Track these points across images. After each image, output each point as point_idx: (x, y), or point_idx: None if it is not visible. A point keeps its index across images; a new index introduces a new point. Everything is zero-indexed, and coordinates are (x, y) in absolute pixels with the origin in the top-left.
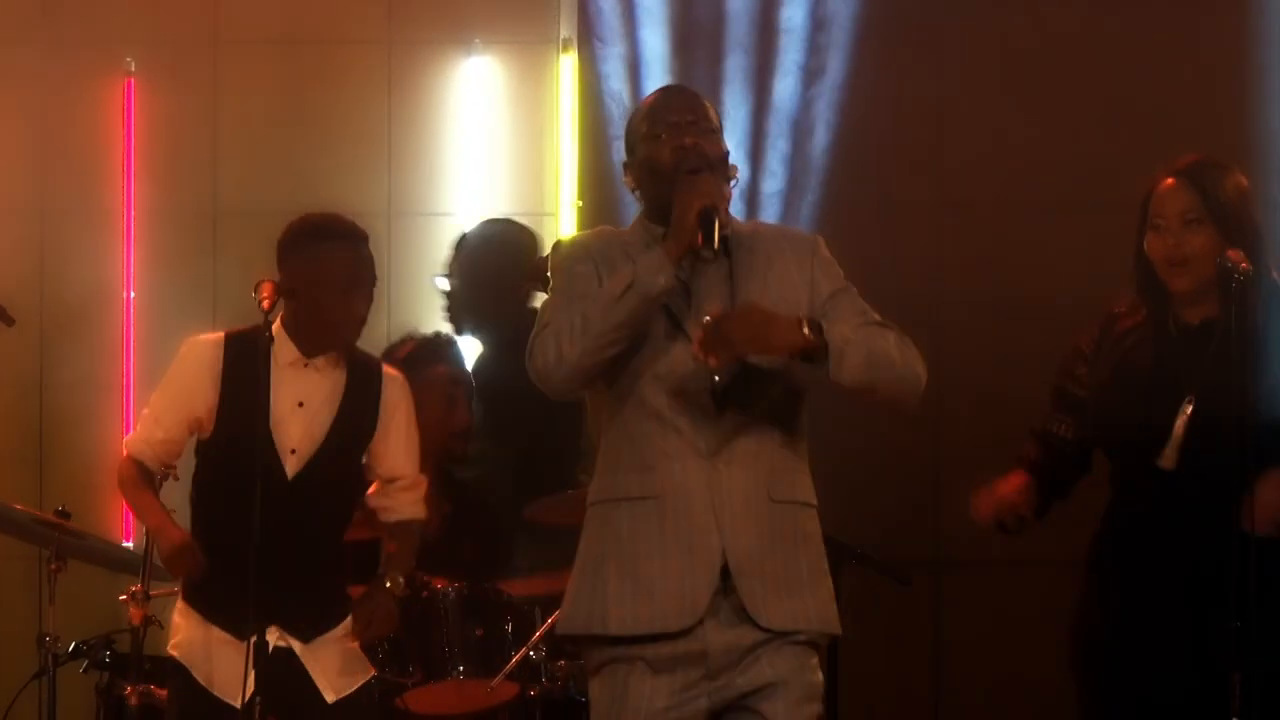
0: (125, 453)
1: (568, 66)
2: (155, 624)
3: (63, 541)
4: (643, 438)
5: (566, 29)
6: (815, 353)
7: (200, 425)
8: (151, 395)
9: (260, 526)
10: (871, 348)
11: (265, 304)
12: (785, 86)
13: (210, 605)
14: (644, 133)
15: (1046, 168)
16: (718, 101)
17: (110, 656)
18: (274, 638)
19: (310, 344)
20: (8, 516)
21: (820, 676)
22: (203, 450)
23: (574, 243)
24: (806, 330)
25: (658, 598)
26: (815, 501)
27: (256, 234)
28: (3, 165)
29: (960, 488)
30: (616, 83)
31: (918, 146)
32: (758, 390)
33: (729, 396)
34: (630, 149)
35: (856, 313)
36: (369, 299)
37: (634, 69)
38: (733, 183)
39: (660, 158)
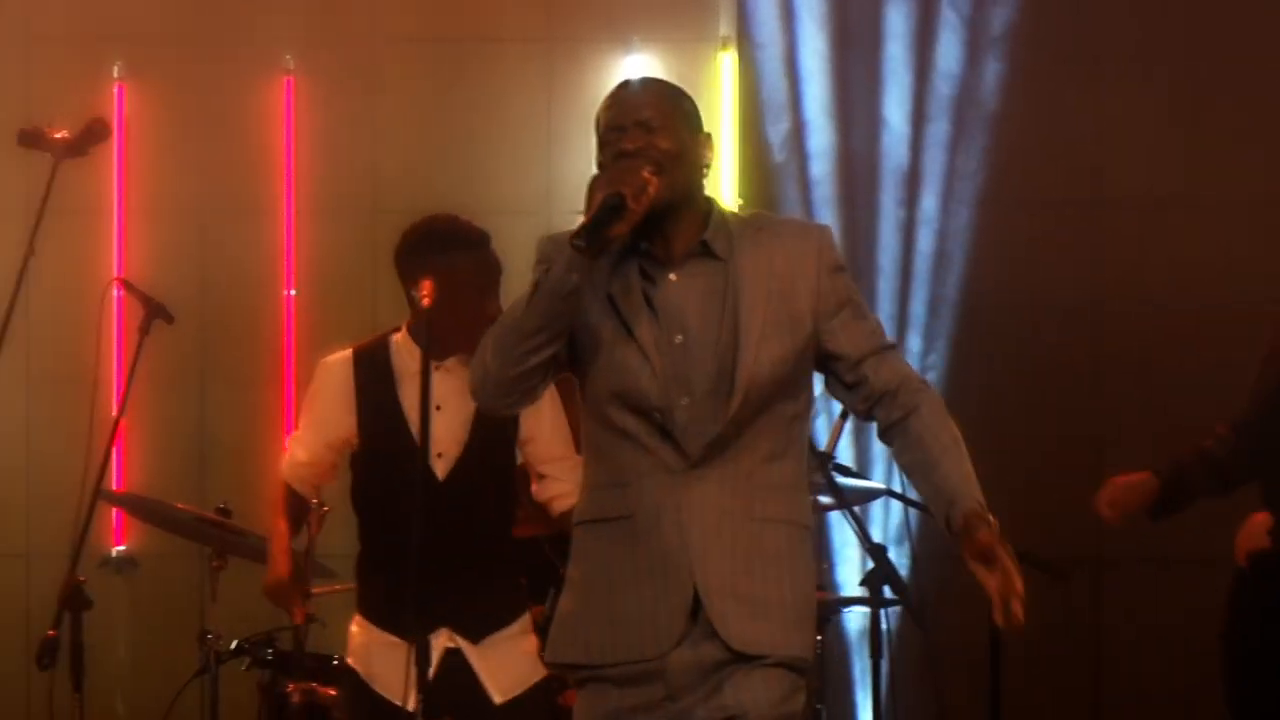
0: (279, 475)
1: (727, 64)
2: (318, 622)
3: (224, 539)
4: (614, 455)
5: (725, 27)
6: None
7: (348, 443)
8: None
9: (420, 532)
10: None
11: (426, 301)
12: (943, 81)
13: (380, 613)
14: (598, 137)
15: (1210, 166)
16: (876, 96)
17: (272, 654)
18: (444, 640)
19: (441, 348)
20: (170, 515)
21: (797, 704)
22: (354, 463)
23: (546, 241)
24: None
25: (632, 625)
26: (809, 522)
27: None
28: (163, 164)
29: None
30: (775, 80)
31: (1076, 144)
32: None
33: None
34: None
35: (868, 335)
36: (498, 298)
37: (792, 66)
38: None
39: (604, 164)
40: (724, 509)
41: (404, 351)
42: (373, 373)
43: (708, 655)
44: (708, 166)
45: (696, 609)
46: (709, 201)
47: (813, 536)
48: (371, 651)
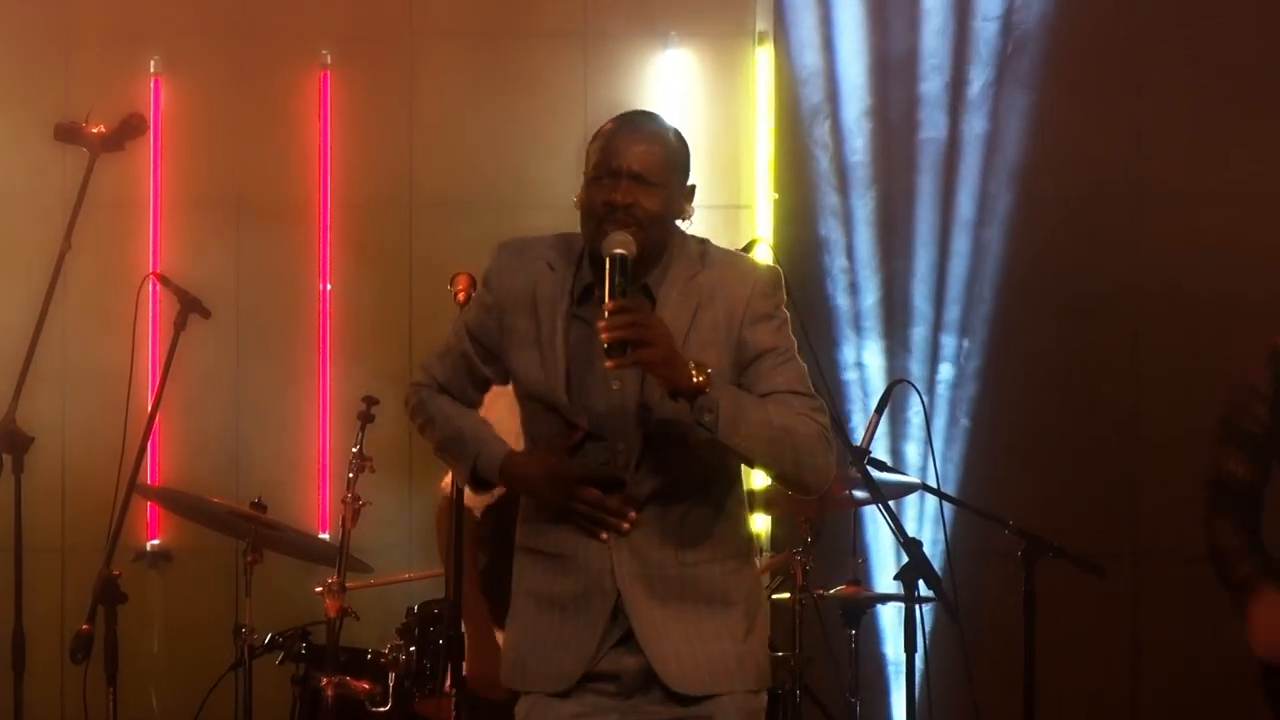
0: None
1: (764, 59)
2: (351, 616)
3: (259, 533)
4: None
5: (762, 22)
6: (696, 399)
7: None
8: None
9: None
10: (774, 419)
11: (461, 296)
12: (980, 80)
13: None
14: (589, 169)
15: (1249, 162)
16: (913, 89)
17: (306, 648)
18: None
19: None
20: (204, 509)
21: (760, 703)
22: None
23: (495, 266)
24: (695, 374)
25: (542, 657)
26: (745, 550)
27: (452, 226)
28: (200, 159)
29: (1157, 481)
30: (812, 74)
31: (1116, 139)
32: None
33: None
34: (586, 168)
35: (780, 379)
36: None
37: (829, 60)
38: (686, 222)
39: (593, 202)
40: (650, 558)
41: None
42: None
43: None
44: (687, 218)
45: (629, 635)
46: (671, 243)
47: (751, 557)
48: None
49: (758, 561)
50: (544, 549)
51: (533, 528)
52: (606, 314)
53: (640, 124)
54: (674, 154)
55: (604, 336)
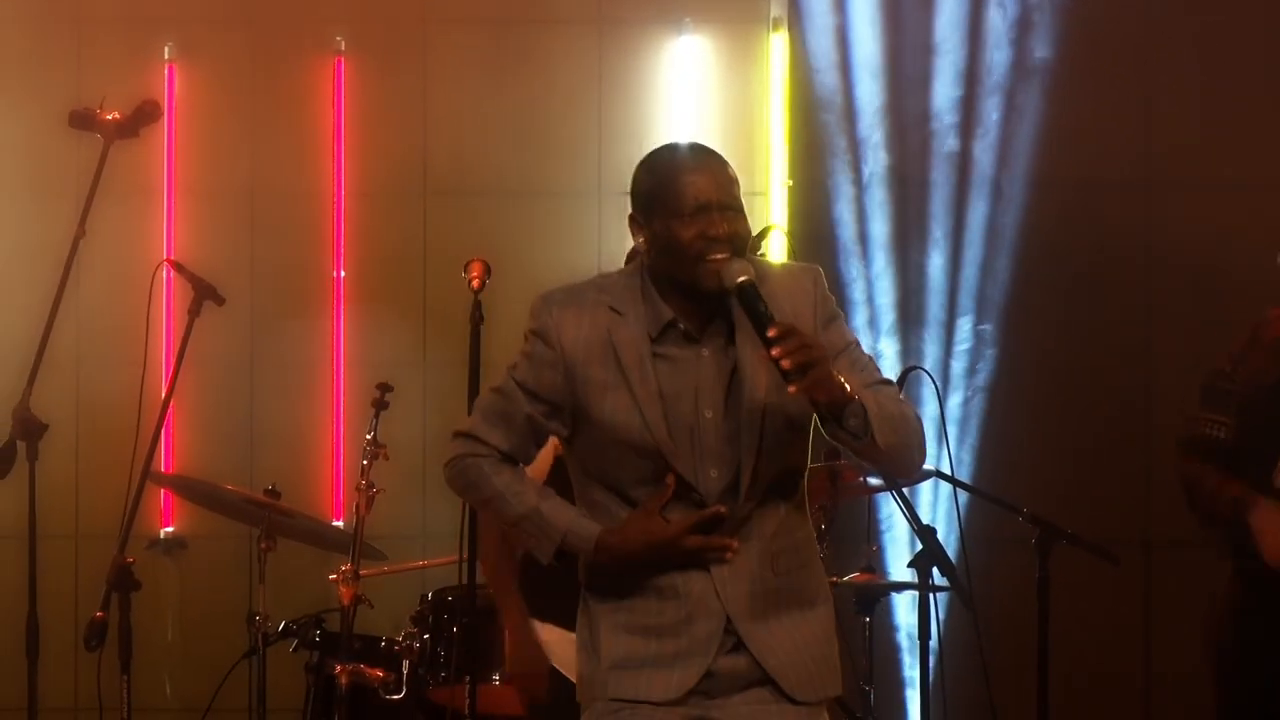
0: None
1: (778, 46)
2: (365, 603)
3: (273, 520)
4: None
5: (777, 8)
6: (848, 407)
7: None
8: None
9: None
10: (895, 412)
11: (475, 283)
12: (995, 64)
13: None
14: (666, 206)
15: (1261, 148)
16: (927, 76)
17: (320, 635)
18: None
19: None
20: (218, 497)
21: None
22: None
23: (551, 321)
24: (847, 385)
25: (651, 681)
26: (816, 551)
27: (466, 213)
28: (214, 145)
29: (1170, 469)
30: (826, 62)
31: (1128, 126)
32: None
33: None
34: (643, 205)
35: (862, 370)
36: None
37: (843, 48)
38: (758, 254)
39: (683, 238)
40: (752, 575)
41: None
42: None
43: (745, 667)
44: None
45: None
46: None
47: (819, 556)
48: None
49: None
50: (631, 590)
51: (607, 584)
52: (774, 340)
53: (707, 154)
54: (738, 178)
55: (784, 364)
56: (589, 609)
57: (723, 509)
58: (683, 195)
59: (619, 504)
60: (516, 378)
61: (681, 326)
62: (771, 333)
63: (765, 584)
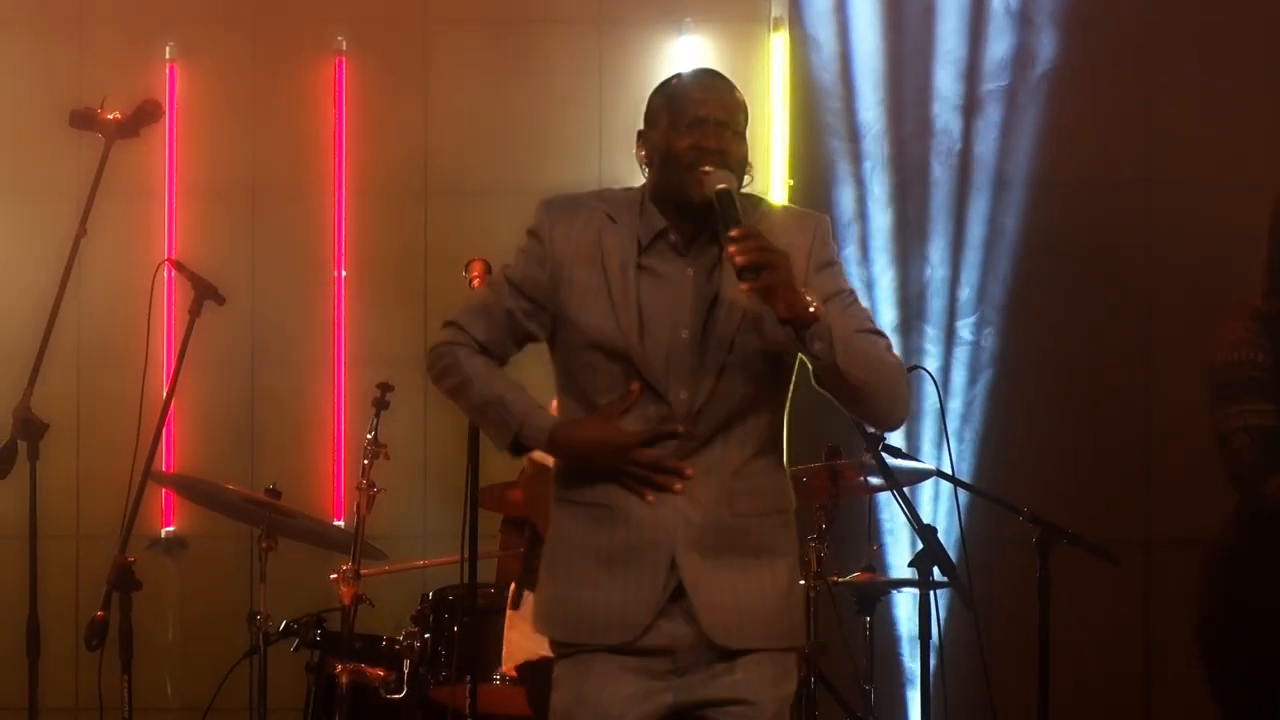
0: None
1: (778, 46)
2: (366, 602)
3: (273, 520)
4: None
5: (777, 8)
6: (811, 326)
7: None
8: None
9: None
10: (870, 350)
11: (476, 283)
12: (996, 64)
13: None
14: (668, 118)
15: (1261, 148)
16: (928, 76)
17: (321, 635)
18: None
19: None
20: (219, 496)
21: (793, 684)
22: None
23: (547, 219)
24: (812, 302)
25: (600, 609)
26: (789, 505)
27: (467, 212)
28: (215, 145)
29: (1170, 469)
30: (827, 61)
31: (1129, 126)
32: (732, 398)
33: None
34: (651, 121)
35: (852, 317)
36: None
37: (843, 48)
38: (746, 180)
39: (678, 147)
40: (707, 506)
41: None
42: None
43: (703, 636)
44: (750, 173)
45: (680, 594)
46: None
47: (793, 512)
48: None
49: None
50: (590, 500)
51: (574, 479)
52: (735, 240)
53: (716, 76)
54: (745, 106)
55: (738, 260)
56: (554, 527)
57: (680, 427)
58: (684, 108)
59: (581, 412)
60: (507, 272)
61: (672, 237)
62: (733, 232)
63: (720, 520)
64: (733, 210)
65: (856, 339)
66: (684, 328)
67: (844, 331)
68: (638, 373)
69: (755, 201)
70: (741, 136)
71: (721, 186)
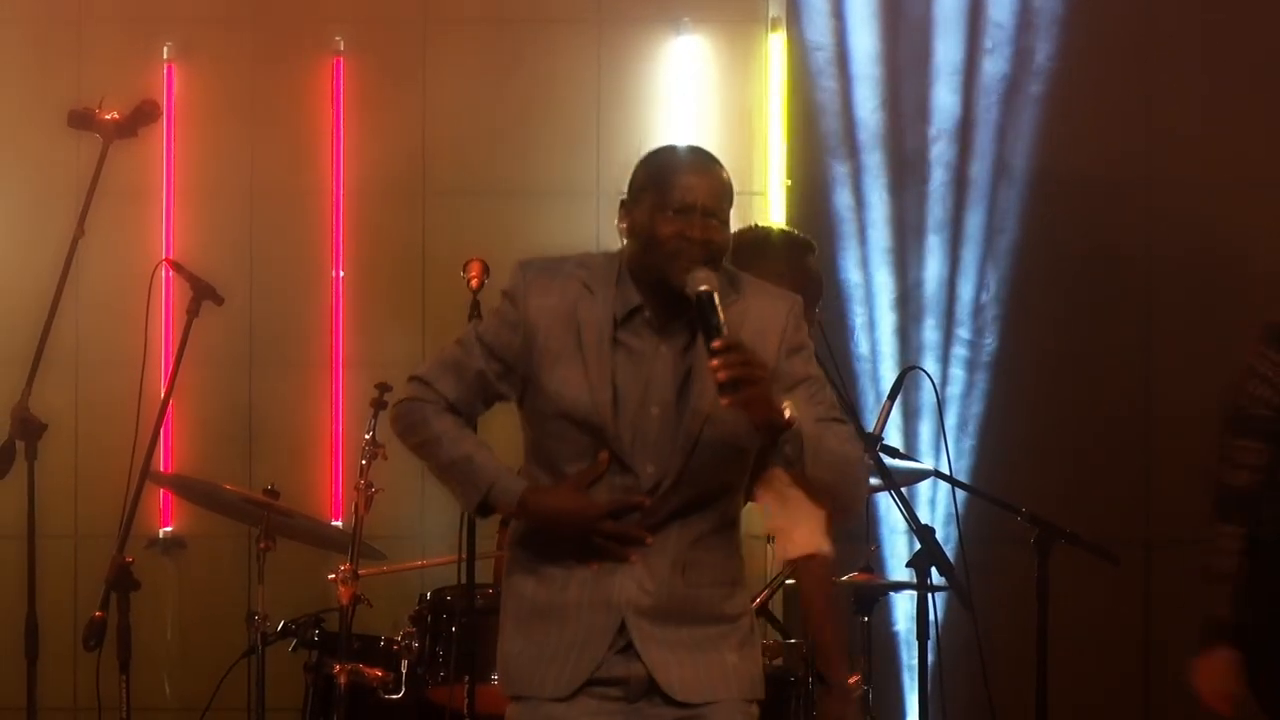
0: None
1: (777, 45)
2: (364, 603)
3: (271, 520)
4: None
5: (775, 8)
6: (784, 432)
7: None
8: None
9: None
10: (836, 449)
11: (474, 283)
12: (995, 62)
13: None
14: (653, 199)
15: (1262, 147)
16: (926, 77)
17: (319, 635)
18: None
19: None
20: (217, 496)
21: (754, 713)
22: None
23: (523, 283)
24: (787, 409)
25: (546, 662)
26: (740, 578)
27: (465, 213)
28: (213, 145)
29: (1170, 469)
30: (824, 62)
31: (1127, 127)
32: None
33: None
34: (635, 195)
35: (818, 405)
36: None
37: (841, 48)
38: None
39: (662, 233)
40: (660, 576)
41: None
42: None
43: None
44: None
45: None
46: None
47: (744, 583)
48: None
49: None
50: (545, 559)
51: (530, 539)
52: (717, 352)
53: (706, 159)
54: (732, 190)
55: (719, 376)
56: (508, 579)
57: (645, 500)
58: (671, 192)
59: (547, 479)
60: (478, 331)
61: (647, 314)
62: (716, 344)
63: (672, 589)
64: (714, 317)
65: (825, 439)
66: (654, 404)
67: (813, 433)
68: (608, 446)
69: (732, 278)
70: (726, 224)
71: (703, 289)
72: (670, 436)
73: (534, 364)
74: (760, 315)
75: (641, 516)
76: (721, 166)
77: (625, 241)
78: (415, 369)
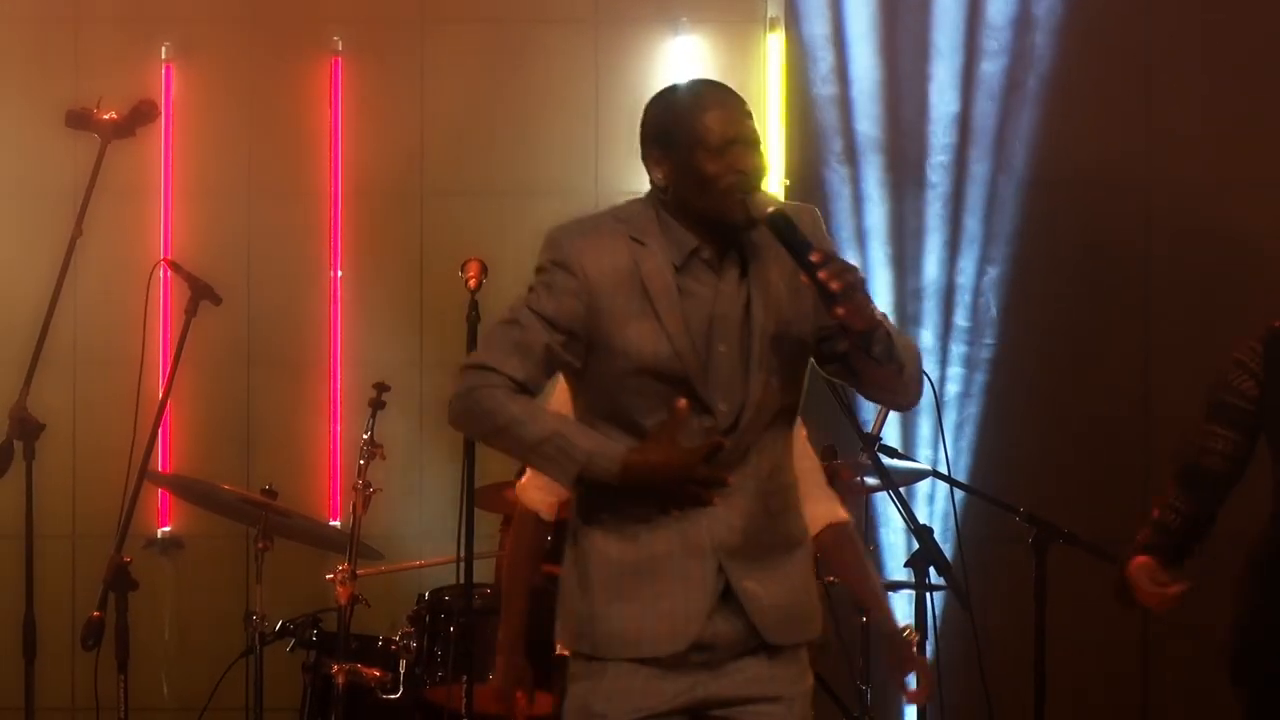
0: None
1: (775, 45)
2: (362, 603)
3: (269, 520)
4: None
5: (773, 8)
6: (877, 331)
7: None
8: None
9: None
10: (910, 342)
11: (472, 283)
12: (994, 62)
13: None
14: (690, 138)
15: (1261, 148)
16: (924, 76)
17: (317, 635)
18: None
19: None
20: (215, 496)
21: (811, 677)
22: None
23: (571, 250)
24: (877, 310)
25: (648, 623)
26: (799, 497)
27: (463, 213)
28: (211, 145)
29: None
30: (823, 61)
31: (1127, 125)
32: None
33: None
34: (665, 140)
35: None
36: None
37: (840, 48)
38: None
39: (711, 171)
40: (746, 511)
41: None
42: None
43: (742, 632)
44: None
45: (726, 595)
46: None
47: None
48: None
49: None
50: (626, 515)
51: (604, 498)
52: (818, 265)
53: (723, 89)
54: (751, 112)
55: (832, 286)
56: (579, 544)
57: (724, 441)
58: (709, 130)
59: (623, 435)
60: (534, 307)
61: (705, 255)
62: (815, 256)
63: (757, 522)
64: (797, 232)
65: (899, 335)
66: (721, 342)
67: (895, 332)
68: (692, 390)
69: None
70: (760, 146)
71: (772, 209)
72: (740, 370)
73: (601, 326)
74: (802, 227)
75: (723, 455)
76: (737, 93)
77: (661, 189)
78: (467, 358)
